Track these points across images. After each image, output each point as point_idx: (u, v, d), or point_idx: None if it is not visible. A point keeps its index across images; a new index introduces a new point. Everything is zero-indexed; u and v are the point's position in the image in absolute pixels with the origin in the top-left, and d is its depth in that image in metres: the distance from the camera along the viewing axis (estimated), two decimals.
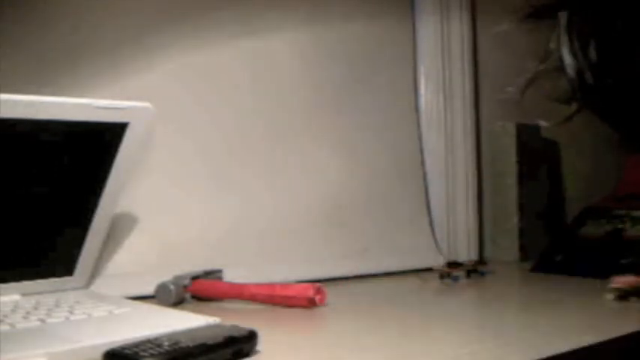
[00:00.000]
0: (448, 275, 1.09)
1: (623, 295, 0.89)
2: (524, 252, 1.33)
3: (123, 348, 0.55)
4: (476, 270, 1.13)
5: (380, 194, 1.24)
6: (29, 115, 0.71)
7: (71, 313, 0.71)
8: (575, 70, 0.40)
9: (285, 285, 0.87)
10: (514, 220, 1.34)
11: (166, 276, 0.89)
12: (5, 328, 0.64)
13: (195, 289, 0.89)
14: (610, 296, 0.89)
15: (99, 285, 0.90)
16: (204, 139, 1.06)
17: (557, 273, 1.15)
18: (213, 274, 0.93)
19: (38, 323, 0.66)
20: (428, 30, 1.32)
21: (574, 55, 0.39)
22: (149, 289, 0.87)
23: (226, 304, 0.88)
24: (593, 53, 0.38)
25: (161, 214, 0.99)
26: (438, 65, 1.32)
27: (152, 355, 0.53)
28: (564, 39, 0.39)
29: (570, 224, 1.27)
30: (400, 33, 1.31)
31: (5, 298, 0.77)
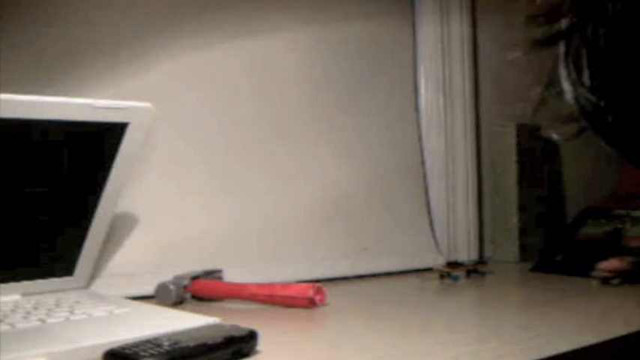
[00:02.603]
0: (448, 275, 1.09)
1: (606, 279, 0.95)
2: (524, 252, 1.33)
3: (123, 348, 0.55)
4: (476, 270, 1.13)
5: (380, 194, 1.24)
6: (29, 115, 0.71)
7: (71, 313, 0.71)
8: (574, 96, 0.42)
9: (285, 285, 0.87)
10: (514, 220, 1.34)
11: (166, 276, 0.89)
12: (5, 328, 0.64)
13: (195, 289, 0.89)
14: (595, 282, 0.95)
15: (99, 285, 0.90)
16: (204, 140, 1.06)
17: (557, 273, 1.15)
18: (213, 274, 0.93)
19: (38, 323, 0.66)
20: (428, 30, 1.32)
21: (572, 82, 0.41)
22: (149, 289, 0.87)
23: (226, 304, 0.88)
24: (588, 81, 0.40)
25: (161, 214, 0.99)
26: (438, 65, 1.32)
27: (152, 355, 0.53)
28: (562, 68, 0.41)
29: (570, 224, 1.27)
30: (400, 33, 1.31)
31: (5, 298, 0.77)
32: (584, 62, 0.41)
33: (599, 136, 0.43)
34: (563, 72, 0.42)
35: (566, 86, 0.42)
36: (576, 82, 0.41)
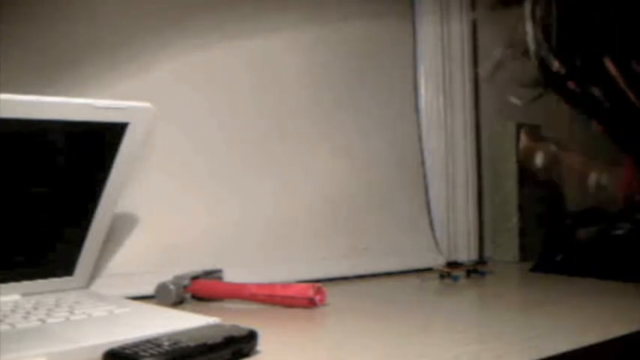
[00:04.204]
0: (448, 275, 1.09)
1: None
2: (524, 252, 1.33)
3: (123, 348, 0.55)
4: (476, 270, 1.13)
5: (380, 194, 1.24)
6: (29, 115, 0.71)
7: (71, 313, 0.71)
8: (538, 56, 0.40)
9: (285, 285, 0.87)
10: (514, 220, 1.34)
11: (166, 276, 0.89)
12: (5, 328, 0.64)
13: (195, 289, 0.89)
14: None
15: (99, 285, 0.90)
16: (204, 140, 1.06)
17: (557, 273, 1.15)
18: (213, 274, 0.93)
19: (38, 323, 0.66)
20: (428, 30, 1.32)
21: (537, 42, 0.40)
22: (149, 289, 0.88)
23: (226, 304, 0.88)
24: (554, 40, 0.39)
25: (161, 214, 0.99)
26: (438, 65, 1.32)
27: (152, 355, 0.53)
28: (528, 26, 0.40)
29: (570, 224, 1.27)
30: (400, 33, 1.31)
31: (5, 298, 0.77)
32: (552, 21, 0.40)
33: (559, 96, 0.43)
34: (529, 30, 0.41)
35: (531, 45, 0.41)
36: (542, 42, 0.40)
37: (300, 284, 0.87)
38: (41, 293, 0.81)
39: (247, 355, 0.60)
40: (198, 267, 0.93)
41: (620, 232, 1.15)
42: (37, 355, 0.55)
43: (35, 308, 0.73)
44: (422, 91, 1.33)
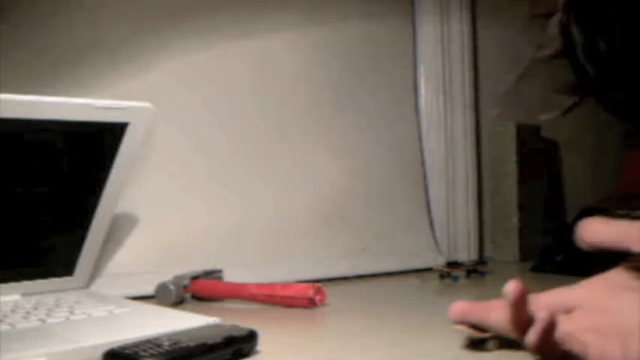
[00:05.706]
0: (448, 275, 1.09)
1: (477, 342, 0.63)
2: (524, 252, 1.33)
3: (123, 348, 0.55)
4: (476, 270, 1.13)
5: (380, 194, 1.24)
6: (29, 115, 0.71)
7: (71, 313, 0.71)
8: (586, 51, 0.34)
9: (285, 285, 0.87)
10: (514, 220, 1.34)
11: (166, 276, 0.89)
12: (5, 328, 0.64)
13: (195, 289, 0.89)
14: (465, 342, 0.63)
15: (99, 285, 0.90)
16: (204, 140, 1.06)
17: (557, 273, 1.15)
18: (213, 274, 0.93)
19: (38, 323, 0.66)
20: (428, 30, 1.32)
21: (584, 30, 0.33)
22: (149, 289, 0.88)
23: (226, 304, 0.88)
24: (606, 30, 0.32)
25: (161, 213, 1.00)
26: (438, 65, 1.32)
27: (152, 355, 0.53)
28: (572, 12, 0.34)
29: (570, 224, 1.27)
30: (400, 33, 1.31)
31: (5, 298, 0.77)
32: (600, 6, 0.33)
33: (603, 104, 0.37)
34: (571, 17, 0.34)
35: (577, 36, 0.34)
36: (591, 30, 0.34)
37: (300, 284, 0.87)
38: (41, 293, 0.81)
39: (247, 355, 0.60)
40: (198, 267, 0.93)
41: None
42: (37, 355, 0.55)
43: (35, 308, 0.73)
44: (422, 91, 1.33)
